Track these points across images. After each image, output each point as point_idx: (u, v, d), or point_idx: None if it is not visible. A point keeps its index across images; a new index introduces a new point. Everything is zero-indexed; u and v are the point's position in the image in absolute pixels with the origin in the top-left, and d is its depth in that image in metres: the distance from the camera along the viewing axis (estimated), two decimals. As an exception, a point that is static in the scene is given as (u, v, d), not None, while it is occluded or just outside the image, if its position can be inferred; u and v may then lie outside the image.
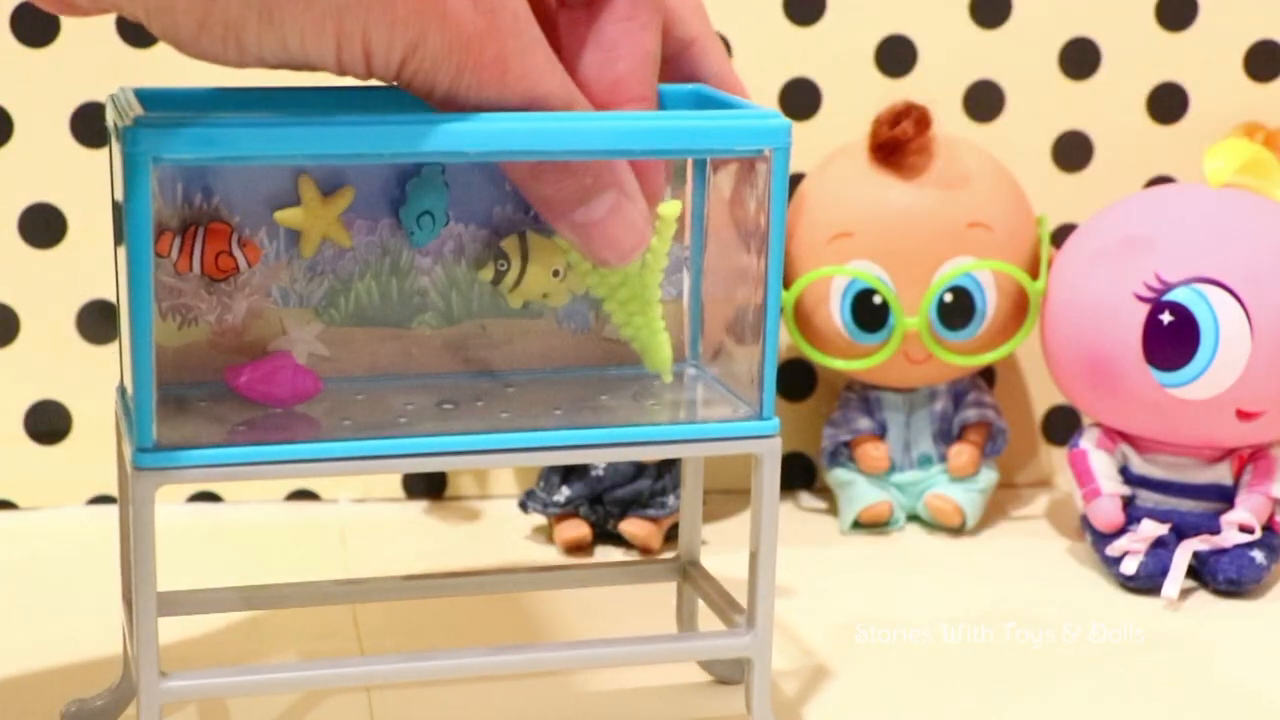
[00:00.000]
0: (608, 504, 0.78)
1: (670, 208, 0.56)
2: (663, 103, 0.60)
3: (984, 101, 0.85)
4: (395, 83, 0.51)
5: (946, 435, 0.82)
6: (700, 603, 0.64)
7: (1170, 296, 0.74)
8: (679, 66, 0.57)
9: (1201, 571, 0.75)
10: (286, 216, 0.56)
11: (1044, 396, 0.88)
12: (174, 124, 0.49)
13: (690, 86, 0.60)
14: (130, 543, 0.53)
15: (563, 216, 0.54)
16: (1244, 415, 0.75)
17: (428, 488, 0.84)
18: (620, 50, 0.55)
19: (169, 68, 0.80)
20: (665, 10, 0.56)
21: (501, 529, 0.81)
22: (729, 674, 0.65)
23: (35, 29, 0.79)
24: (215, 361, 0.57)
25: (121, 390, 0.57)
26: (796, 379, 0.86)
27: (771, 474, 0.57)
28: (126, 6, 0.49)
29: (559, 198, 0.54)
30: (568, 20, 0.55)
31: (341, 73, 0.50)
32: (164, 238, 0.55)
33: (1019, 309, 0.80)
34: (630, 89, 0.54)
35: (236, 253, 0.56)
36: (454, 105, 0.52)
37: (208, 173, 0.55)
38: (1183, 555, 0.74)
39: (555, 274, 0.58)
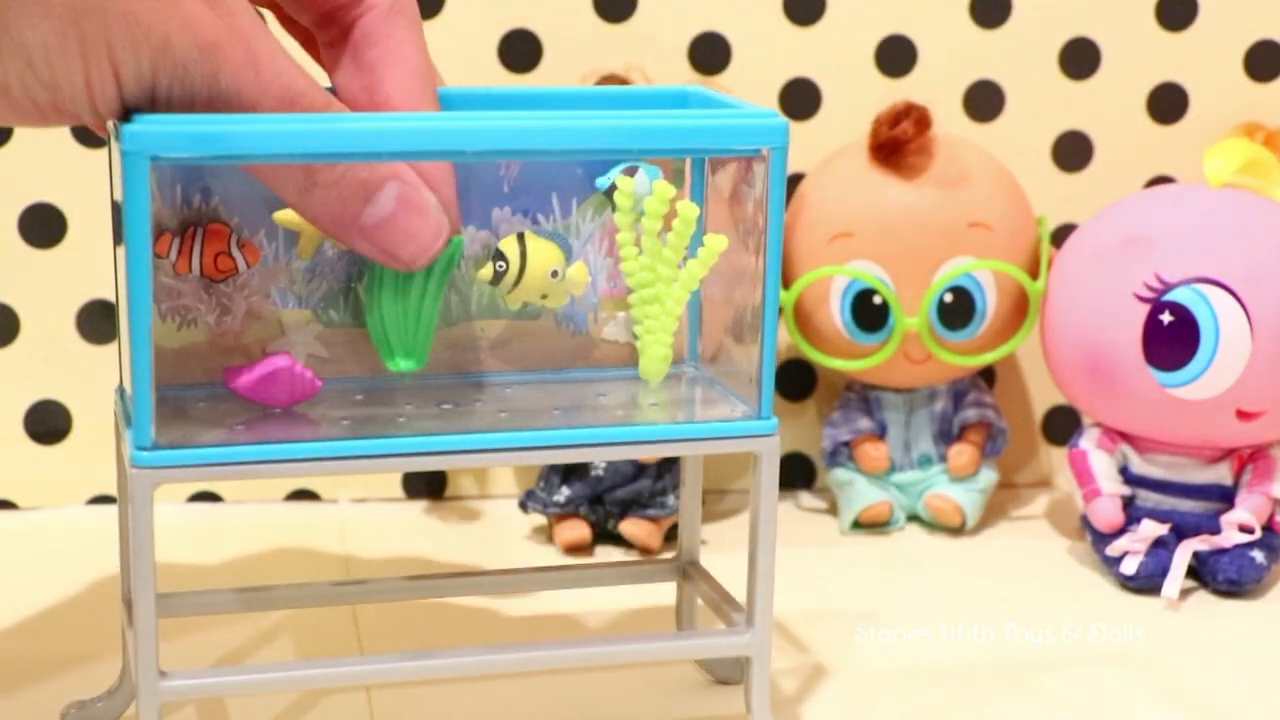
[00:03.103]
0: (608, 504, 0.78)
1: (688, 208, 0.55)
2: (658, 103, 0.60)
3: (984, 101, 0.85)
4: (155, 106, 0.49)
5: (946, 435, 0.82)
6: (700, 603, 0.64)
7: (1170, 296, 0.74)
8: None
9: (1201, 571, 0.75)
10: (285, 218, 0.56)
11: (1044, 396, 0.88)
12: (172, 123, 0.49)
13: (686, 87, 0.61)
14: (129, 543, 0.53)
15: (352, 224, 0.52)
16: (1244, 415, 0.75)
17: (428, 488, 0.84)
18: (381, 70, 0.54)
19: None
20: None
21: (501, 529, 0.81)
22: (728, 674, 0.65)
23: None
24: (214, 362, 0.57)
25: (120, 391, 0.57)
26: (796, 379, 0.86)
27: (770, 473, 0.57)
28: None
29: (341, 202, 0.52)
30: (327, 58, 0.55)
31: (93, 104, 0.48)
32: (163, 239, 0.55)
33: (1019, 309, 0.80)
34: (400, 106, 0.54)
35: (235, 254, 0.56)
36: (219, 110, 0.50)
37: (206, 174, 0.56)
38: (1183, 555, 0.74)
39: (553, 275, 0.58)
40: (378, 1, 0.54)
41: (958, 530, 0.82)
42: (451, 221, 0.54)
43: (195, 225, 0.56)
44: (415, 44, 0.54)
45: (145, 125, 0.49)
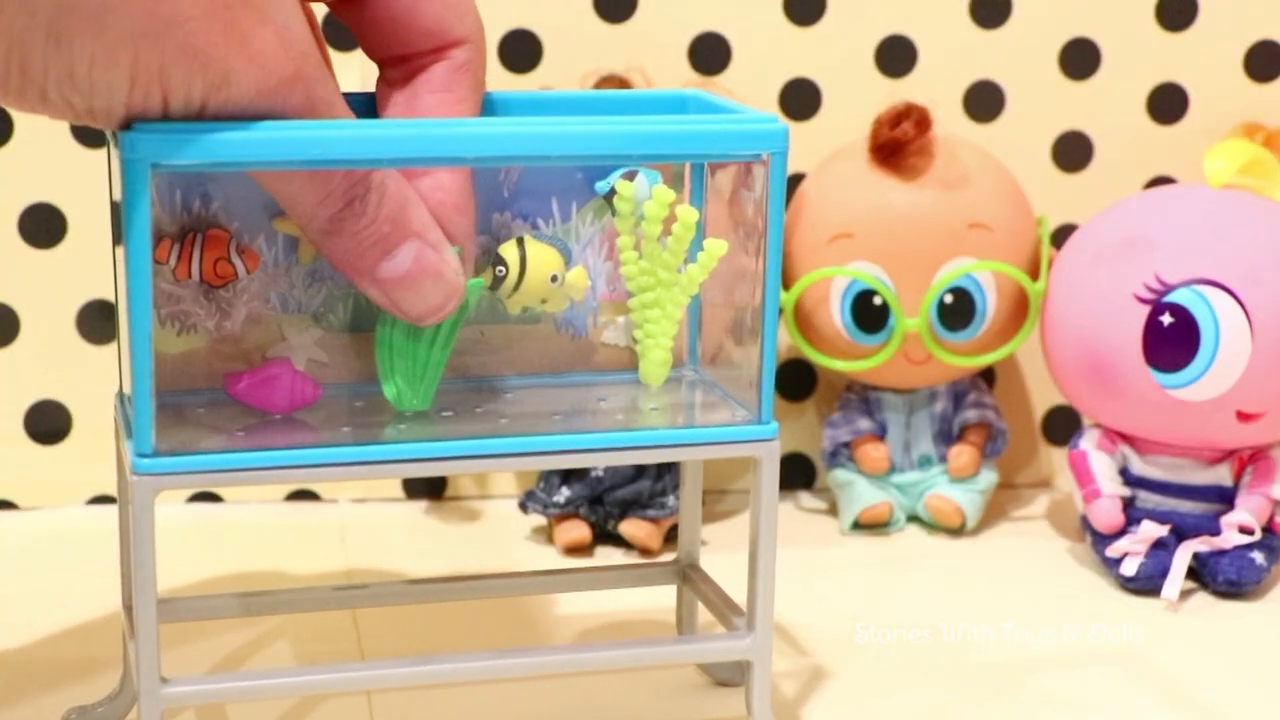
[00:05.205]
0: (608, 505, 0.78)
1: (688, 212, 0.56)
2: (658, 107, 0.60)
3: (984, 101, 0.85)
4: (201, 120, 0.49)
5: (946, 436, 0.82)
6: (700, 605, 0.64)
7: (1170, 298, 0.74)
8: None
9: (1201, 573, 0.75)
10: (285, 223, 0.56)
11: (1044, 397, 0.88)
12: (172, 130, 0.49)
13: (686, 91, 0.61)
14: (130, 548, 0.53)
15: (366, 274, 0.52)
16: (1244, 416, 0.75)
17: (428, 488, 0.84)
18: (434, 116, 0.54)
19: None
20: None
21: (501, 530, 0.81)
22: (729, 676, 0.65)
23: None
24: (214, 368, 0.57)
25: (120, 396, 0.57)
26: (796, 379, 0.86)
27: (770, 477, 0.57)
28: None
29: (359, 251, 0.52)
30: (384, 91, 0.55)
31: (130, 115, 0.48)
32: (162, 244, 0.55)
33: (1019, 309, 0.80)
34: None
35: (235, 259, 0.56)
36: None
37: (206, 179, 0.55)
38: (1183, 556, 0.74)
39: (553, 279, 0.58)
40: (454, 55, 0.54)
41: (958, 531, 0.82)
42: (465, 245, 0.54)
43: (195, 231, 0.56)
44: (473, 104, 0.55)
45: (146, 132, 0.49)
